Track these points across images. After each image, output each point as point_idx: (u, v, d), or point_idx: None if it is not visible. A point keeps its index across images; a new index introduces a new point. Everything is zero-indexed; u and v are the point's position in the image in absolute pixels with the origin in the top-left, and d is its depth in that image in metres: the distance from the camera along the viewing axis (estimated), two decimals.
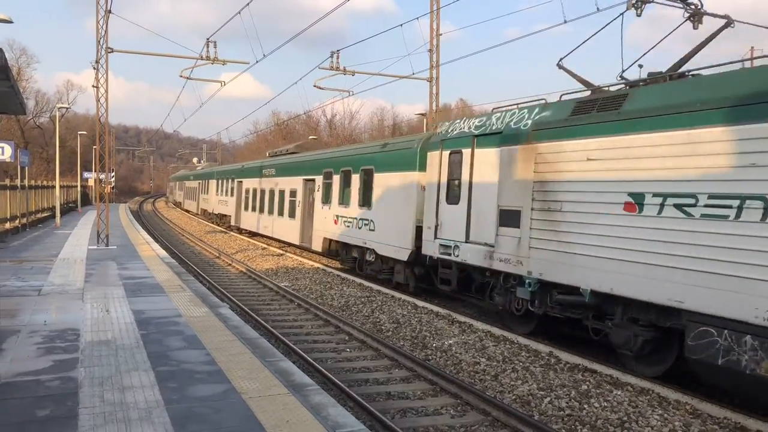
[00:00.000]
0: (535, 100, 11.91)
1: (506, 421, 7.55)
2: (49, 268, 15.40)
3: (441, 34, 25.06)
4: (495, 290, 12.45)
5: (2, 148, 20.97)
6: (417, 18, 23.57)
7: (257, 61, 22.69)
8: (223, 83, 26.26)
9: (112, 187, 65.13)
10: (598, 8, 14.43)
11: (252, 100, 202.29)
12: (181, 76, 24.65)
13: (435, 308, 13.89)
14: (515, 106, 12.15)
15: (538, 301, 11.16)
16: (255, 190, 31.34)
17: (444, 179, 13.89)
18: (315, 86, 26.00)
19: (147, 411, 5.71)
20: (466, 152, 13.13)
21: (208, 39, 22.30)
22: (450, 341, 11.22)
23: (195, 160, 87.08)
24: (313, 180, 23.00)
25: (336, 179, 20.72)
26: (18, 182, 27.64)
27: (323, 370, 9.33)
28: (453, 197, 13.56)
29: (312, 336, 12.03)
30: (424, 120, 30.21)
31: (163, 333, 8.80)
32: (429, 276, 15.53)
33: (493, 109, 12.90)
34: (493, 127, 12.32)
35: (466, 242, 12.91)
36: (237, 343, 8.35)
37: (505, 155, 11.78)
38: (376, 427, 7.32)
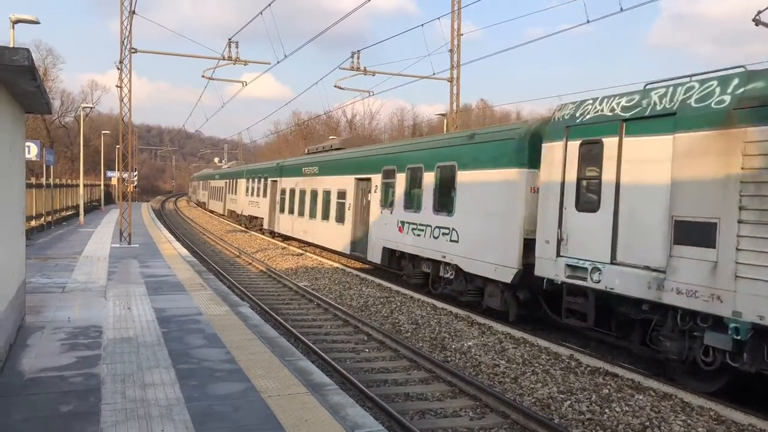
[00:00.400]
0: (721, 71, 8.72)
1: (526, 424, 7.49)
2: (72, 266, 15.63)
3: (462, 34, 24.97)
4: (663, 332, 9.18)
5: (28, 147, 21.34)
6: (438, 18, 23.56)
7: (278, 62, 22.86)
8: (244, 83, 26.47)
9: (135, 186, 65.96)
10: (621, 8, 14.29)
11: (273, 100, 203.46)
12: (203, 77, 24.90)
13: (454, 309, 13.83)
14: (687, 79, 9.12)
15: (748, 355, 7.88)
16: (294, 191, 28.30)
17: (572, 178, 10.72)
18: (335, 86, 26.08)
19: (168, 408, 5.77)
20: (610, 142, 9.94)
21: (229, 39, 22.49)
22: (469, 343, 11.16)
23: (216, 159, 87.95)
24: (369, 179, 19.74)
25: (400, 178, 17.46)
26: (43, 181, 28.11)
27: (342, 370, 9.34)
28: (588, 202, 10.41)
29: (331, 336, 12.05)
30: (445, 120, 30.14)
31: (183, 331, 8.88)
32: (536, 302, 12.33)
33: (647, 84, 9.77)
34: (657, 107, 9.17)
35: (611, 263, 9.74)
36: (257, 341, 8.39)
37: (684, 144, 8.65)
38: (395, 427, 7.30)
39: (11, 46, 12.86)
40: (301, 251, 25.27)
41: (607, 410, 7.93)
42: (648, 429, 7.36)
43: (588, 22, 15.40)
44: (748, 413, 7.69)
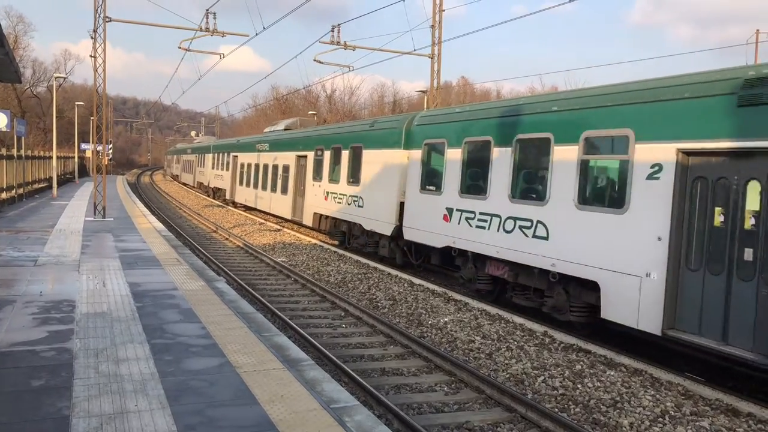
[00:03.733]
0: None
1: (500, 399, 7.60)
2: (45, 239, 15.36)
3: (444, 10, 24.75)
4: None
5: None
6: None
7: (257, 34, 22.43)
8: (222, 55, 26.02)
9: (110, 159, 64.85)
10: None
11: (251, 73, 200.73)
12: (179, 48, 24.35)
13: (431, 286, 13.91)
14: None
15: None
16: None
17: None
18: (315, 60, 25.71)
19: (141, 383, 5.72)
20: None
21: (207, 10, 21.96)
22: (445, 319, 11.25)
23: (193, 133, 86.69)
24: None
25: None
26: (14, 152, 27.47)
27: (319, 345, 9.36)
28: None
29: (308, 312, 12.06)
30: (425, 97, 29.98)
31: (158, 306, 8.80)
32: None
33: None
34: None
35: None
36: (233, 317, 8.35)
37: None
38: (370, 402, 7.36)
39: None
40: (278, 227, 25.16)
41: (579, 386, 8.07)
42: (618, 404, 7.52)
43: (570, 1, 15.32)
44: (715, 388, 7.89)
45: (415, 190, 14.92)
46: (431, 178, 14.48)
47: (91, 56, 21.28)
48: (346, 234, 19.71)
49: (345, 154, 19.26)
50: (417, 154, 15.02)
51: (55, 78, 41.23)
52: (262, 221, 27.28)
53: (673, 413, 7.25)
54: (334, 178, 20.11)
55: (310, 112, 58.84)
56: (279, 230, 24.20)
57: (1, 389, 5.49)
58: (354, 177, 18.55)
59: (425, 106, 29.43)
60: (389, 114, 65.30)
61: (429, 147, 14.64)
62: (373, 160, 17.46)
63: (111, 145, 62.80)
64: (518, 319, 11.10)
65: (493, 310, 11.79)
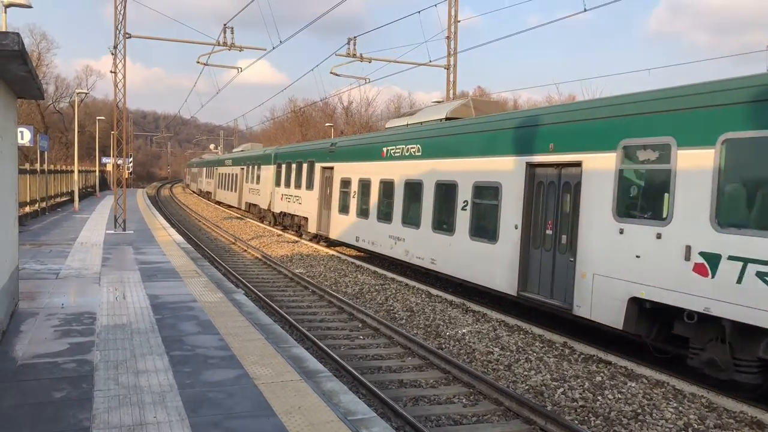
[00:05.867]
0: None
1: (519, 411, 7.52)
2: (67, 252, 15.58)
3: (459, 21, 24.81)
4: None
5: (21, 132, 21.16)
6: (435, 5, 23.27)
7: (274, 47, 22.81)
8: (240, 69, 26.31)
9: (130, 173, 65.68)
10: None
11: (269, 86, 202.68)
12: (198, 62, 24.67)
13: (449, 297, 13.85)
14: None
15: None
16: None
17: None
18: (332, 73, 25.88)
19: (161, 395, 5.76)
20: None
21: (225, 25, 22.28)
22: (463, 330, 11.19)
23: (212, 146, 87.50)
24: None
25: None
26: (37, 167, 27.95)
27: (336, 357, 9.36)
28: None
29: (326, 323, 12.06)
30: None
31: (177, 318, 8.87)
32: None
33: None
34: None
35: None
36: (251, 328, 8.39)
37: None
38: (388, 414, 7.33)
39: (3, 30, 12.71)
40: (296, 239, 25.26)
41: (599, 397, 7.97)
42: (640, 416, 7.41)
43: (585, 10, 15.29)
44: (740, 401, 7.74)
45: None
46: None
47: (111, 72, 21.66)
48: None
49: None
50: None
51: (77, 94, 41.94)
52: (280, 233, 27.41)
53: (696, 426, 7.12)
54: None
55: (327, 124, 59.16)
56: (296, 242, 24.30)
57: (23, 401, 5.56)
58: None
59: None
60: None
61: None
62: None
63: (131, 159, 63.67)
64: (537, 330, 11.01)
65: (512, 321, 11.70)
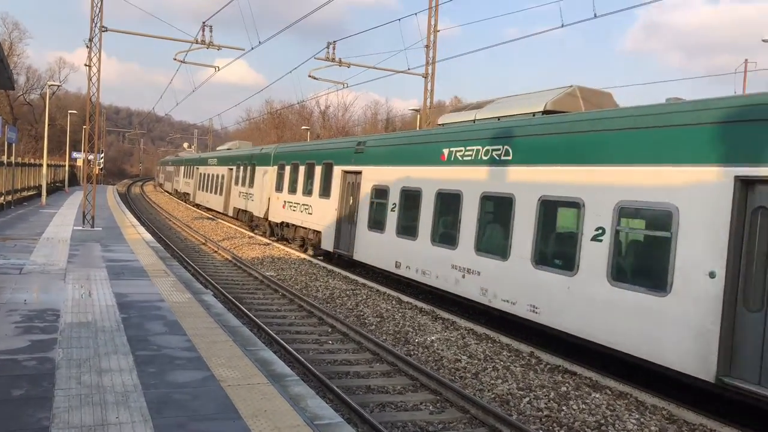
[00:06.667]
0: None
1: (484, 419, 7.57)
2: (32, 247, 15.24)
3: (438, 31, 25.02)
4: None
5: None
6: (416, 13, 23.45)
7: (252, 48, 22.58)
8: (217, 68, 26.07)
9: (101, 169, 64.54)
10: (595, 14, 14.47)
11: (246, 87, 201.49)
12: (175, 59, 24.42)
13: (419, 304, 13.89)
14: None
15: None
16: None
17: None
18: (310, 76, 25.88)
19: (124, 395, 5.67)
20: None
21: (203, 23, 22.11)
22: (432, 337, 11.23)
23: (186, 145, 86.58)
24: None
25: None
26: (4, 159, 27.33)
27: (304, 361, 9.31)
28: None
29: (295, 327, 12.00)
30: (418, 115, 30.17)
31: (144, 317, 8.73)
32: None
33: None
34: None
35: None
36: (218, 330, 8.30)
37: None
38: (354, 420, 7.31)
39: None
40: (267, 241, 25.10)
41: (564, 407, 8.06)
42: (603, 426, 7.51)
43: (563, 26, 15.56)
44: (699, 413, 7.91)
45: None
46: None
47: (85, 65, 21.30)
48: None
49: None
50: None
51: (49, 86, 41.23)
52: (251, 235, 27.19)
53: None
54: None
55: (304, 128, 58.98)
56: (268, 244, 24.14)
57: None
58: None
59: (418, 125, 29.59)
60: (382, 131, 65.56)
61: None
62: None
63: (102, 155, 62.58)
64: (505, 339, 11.10)
65: (481, 329, 11.78)
